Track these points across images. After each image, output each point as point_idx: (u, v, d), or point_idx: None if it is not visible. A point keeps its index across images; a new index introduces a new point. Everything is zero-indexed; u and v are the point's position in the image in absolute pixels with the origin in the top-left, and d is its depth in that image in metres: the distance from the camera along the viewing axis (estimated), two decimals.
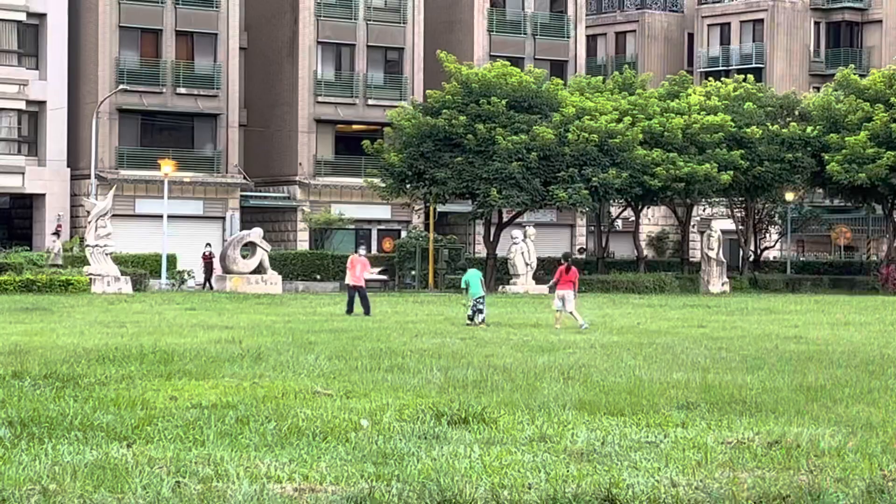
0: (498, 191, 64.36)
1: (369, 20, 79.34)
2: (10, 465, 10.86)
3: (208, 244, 65.54)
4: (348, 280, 41.57)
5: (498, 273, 66.88)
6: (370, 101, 78.99)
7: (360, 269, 41.05)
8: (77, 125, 72.89)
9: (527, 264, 64.41)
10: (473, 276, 35.93)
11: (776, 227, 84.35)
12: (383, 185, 68.79)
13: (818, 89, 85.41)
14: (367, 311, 39.69)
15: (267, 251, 59.88)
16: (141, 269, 60.36)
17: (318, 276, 69.97)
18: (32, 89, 71.65)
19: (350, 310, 40.23)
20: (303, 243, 76.92)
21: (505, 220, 70.18)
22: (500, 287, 63.91)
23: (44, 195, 72.32)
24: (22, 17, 71.44)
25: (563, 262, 35.23)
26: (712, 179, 67.68)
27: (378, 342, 26.21)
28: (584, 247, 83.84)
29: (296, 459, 11.38)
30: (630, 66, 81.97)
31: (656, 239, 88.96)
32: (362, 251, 44.21)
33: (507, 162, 64.55)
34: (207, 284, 63.79)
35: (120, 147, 72.89)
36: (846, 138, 70.13)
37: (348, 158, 77.96)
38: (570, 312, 33.51)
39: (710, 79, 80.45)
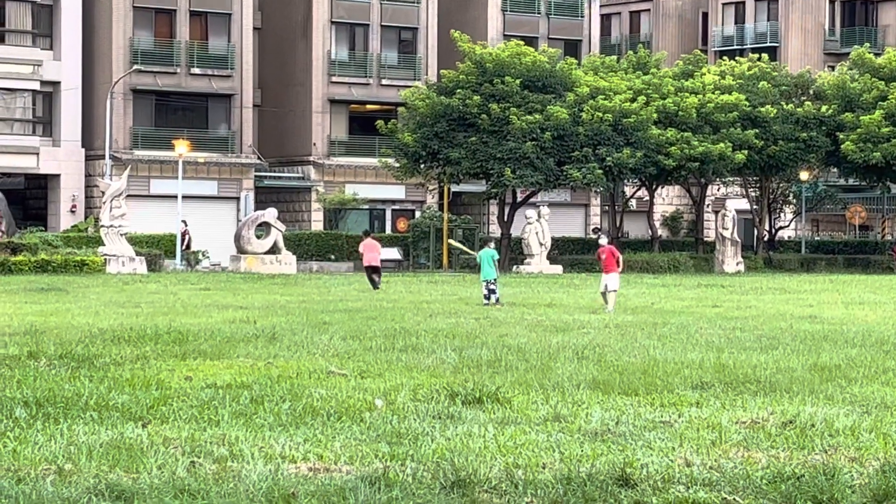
0: (512, 170, 64.31)
1: (383, 0, 79.25)
2: (25, 444, 10.89)
3: (184, 220, 64.49)
4: (364, 262, 43.93)
5: (512, 253, 66.86)
6: (384, 81, 78.91)
7: (370, 252, 43.40)
8: (91, 106, 72.93)
9: (541, 244, 64.39)
10: (486, 257, 35.86)
11: (791, 206, 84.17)
12: (397, 165, 68.79)
13: (833, 68, 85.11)
14: (374, 286, 42.14)
15: (281, 231, 59.89)
16: (155, 250, 60.44)
17: (333, 257, 70.01)
18: (47, 70, 71.71)
19: (374, 286, 42.26)
20: (317, 223, 76.93)
21: (519, 199, 70.14)
22: (515, 267, 63.91)
23: (58, 176, 72.42)
24: None
25: (607, 243, 34.58)
26: (727, 159, 67.57)
27: (392, 322, 26.23)
28: (599, 227, 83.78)
29: (310, 439, 11.39)
30: (644, 46, 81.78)
31: (671, 219, 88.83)
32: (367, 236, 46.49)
33: (521, 142, 64.49)
34: (188, 261, 62.63)
35: (134, 127, 72.95)
36: (861, 117, 69.93)
37: (362, 138, 77.93)
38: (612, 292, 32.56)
39: (725, 58, 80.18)
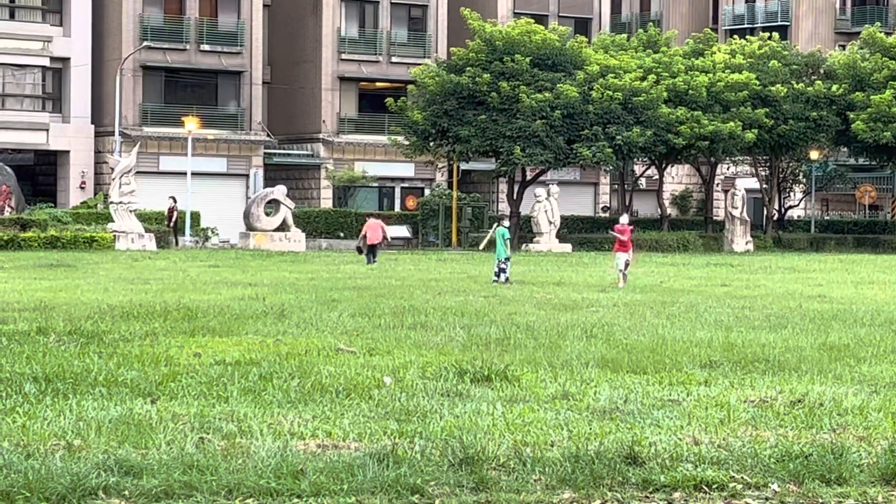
0: (521, 149, 64.24)
1: None
2: (35, 420, 10.92)
3: (172, 197, 64.23)
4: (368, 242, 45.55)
5: (521, 231, 66.85)
6: (394, 59, 78.81)
7: (373, 232, 45.22)
8: (101, 82, 72.91)
9: (550, 222, 64.37)
10: (498, 235, 36.02)
11: (800, 185, 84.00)
12: (407, 142, 68.75)
13: (844, 47, 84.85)
14: (368, 261, 43.93)
15: (290, 209, 59.91)
16: (165, 227, 60.45)
17: (342, 234, 70.01)
18: (56, 46, 71.69)
19: (369, 261, 43.94)
20: (326, 201, 76.93)
21: (528, 178, 70.08)
22: (524, 245, 63.88)
23: (68, 152, 72.45)
24: None
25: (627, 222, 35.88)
26: (737, 138, 67.48)
27: (401, 300, 26.23)
28: (608, 205, 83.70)
29: (319, 416, 11.41)
30: (655, 24, 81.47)
31: (680, 197, 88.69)
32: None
33: (531, 120, 64.41)
34: (174, 238, 61.97)
35: (144, 104, 72.93)
36: (871, 97, 69.75)
37: (372, 116, 77.87)
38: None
39: (735, 37, 79.91)
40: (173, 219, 62.27)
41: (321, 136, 77.49)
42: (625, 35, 75.63)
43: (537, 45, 67.05)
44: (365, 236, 45.53)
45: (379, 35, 78.79)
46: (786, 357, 16.43)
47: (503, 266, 35.11)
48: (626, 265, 33.79)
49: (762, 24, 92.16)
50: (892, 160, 75.21)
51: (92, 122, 72.98)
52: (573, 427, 11.00)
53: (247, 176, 74.97)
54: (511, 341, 18.03)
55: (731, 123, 67.11)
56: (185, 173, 65.23)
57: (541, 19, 77.43)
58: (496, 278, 34.79)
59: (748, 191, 74.47)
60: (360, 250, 46.32)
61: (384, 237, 46.44)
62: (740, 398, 12.89)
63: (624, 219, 36.55)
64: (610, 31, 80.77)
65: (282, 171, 76.98)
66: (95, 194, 69.72)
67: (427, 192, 77.25)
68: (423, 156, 70.40)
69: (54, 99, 72.97)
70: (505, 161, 65.75)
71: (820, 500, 9.16)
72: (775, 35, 76.50)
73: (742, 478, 9.49)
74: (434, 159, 71.07)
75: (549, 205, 64.20)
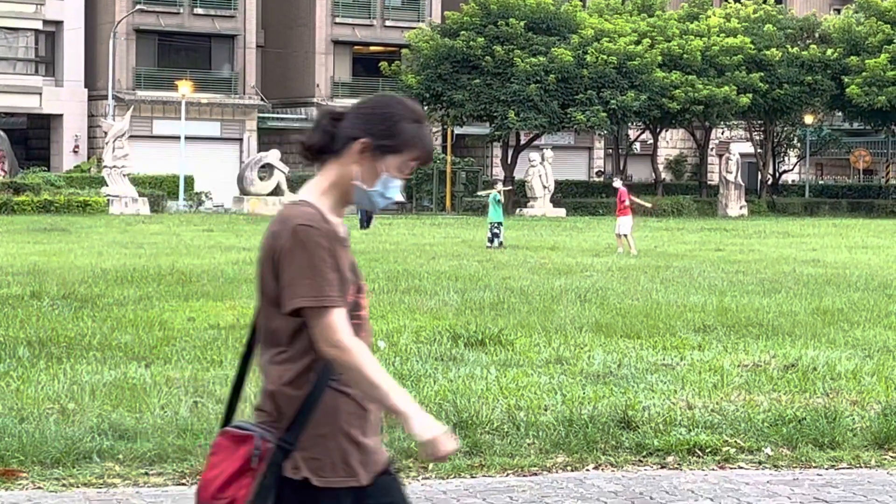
0: (516, 113, 64.16)
1: None
2: (29, 384, 10.92)
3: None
4: None
5: (515, 196, 66.83)
6: (388, 23, 78.59)
7: None
8: (94, 46, 72.69)
9: (544, 187, 64.33)
10: (492, 200, 36.12)
11: (795, 150, 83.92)
12: None
13: (839, 11, 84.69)
14: (361, 226, 44.02)
15: (284, 173, 59.83)
16: (158, 191, 60.39)
17: None
18: (49, 9, 71.41)
19: (363, 226, 44.18)
20: None
21: (523, 142, 70.00)
22: (518, 210, 63.88)
23: (61, 116, 72.27)
24: None
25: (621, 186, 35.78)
26: (731, 102, 67.41)
27: (395, 264, 26.24)
28: (602, 170, 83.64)
29: None
30: None
31: (674, 162, 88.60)
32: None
33: (525, 84, 64.30)
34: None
35: (137, 68, 72.73)
36: (866, 61, 69.69)
37: (366, 80, 77.67)
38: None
39: (730, 0, 79.75)
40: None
41: (315, 100, 77.30)
42: None
43: (532, 9, 66.89)
44: None
45: None
46: (779, 321, 16.45)
47: (496, 231, 35.13)
48: (630, 230, 33.68)
49: None
50: (887, 125, 75.21)
51: (85, 86, 72.78)
52: (567, 391, 11.01)
53: (240, 140, 74.84)
54: (505, 305, 18.04)
55: (726, 88, 67.04)
56: (178, 137, 65.11)
57: None
58: (490, 243, 34.82)
59: (742, 155, 74.46)
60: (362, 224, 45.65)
61: None
62: (734, 362, 12.91)
63: (618, 183, 36.45)
64: None
65: (275, 135, 76.83)
66: (89, 158, 69.60)
67: None
68: None
69: (47, 62, 72.76)
70: (499, 125, 65.67)
71: (813, 464, 9.19)
72: None
73: (735, 442, 9.51)
74: (428, 123, 70.89)
75: (543, 169, 64.15)
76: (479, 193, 54.71)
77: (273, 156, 59.86)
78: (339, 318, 4.11)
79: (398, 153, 4.28)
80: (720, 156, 75.84)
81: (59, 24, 72.03)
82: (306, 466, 4.14)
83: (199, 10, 73.89)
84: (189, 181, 65.57)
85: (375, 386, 4.13)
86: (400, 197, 4.37)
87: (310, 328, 4.13)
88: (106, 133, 57.23)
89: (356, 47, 79.17)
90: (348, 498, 4.16)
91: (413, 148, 4.32)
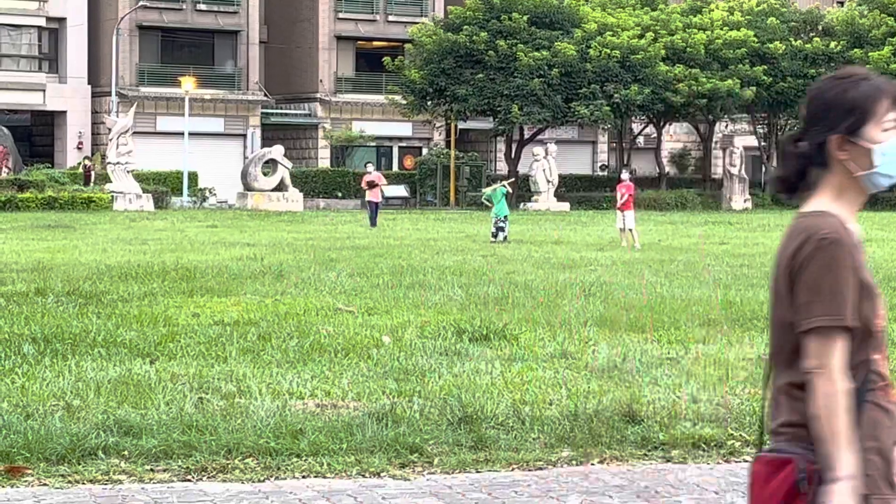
0: (519, 107, 64.15)
1: None
2: (34, 381, 10.92)
3: (87, 157, 62.94)
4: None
5: (519, 190, 66.80)
6: (391, 18, 78.55)
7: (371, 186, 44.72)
8: (97, 42, 72.69)
9: (548, 181, 64.32)
10: (499, 194, 36.13)
11: None
12: (404, 102, 68.61)
13: (842, 4, 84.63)
14: (371, 224, 42.86)
15: (288, 168, 59.83)
16: (162, 187, 60.42)
17: (340, 194, 69.97)
18: (52, 6, 71.42)
19: (373, 223, 42.85)
20: (324, 160, 76.82)
21: (526, 137, 69.99)
22: (522, 204, 63.87)
23: (64, 112, 72.29)
24: None
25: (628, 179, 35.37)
26: (735, 95, 67.38)
27: (399, 259, 26.24)
28: (606, 164, 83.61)
29: (318, 376, 11.42)
30: None
31: (678, 156, 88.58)
32: (370, 167, 48.19)
33: (529, 78, 64.28)
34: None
35: (140, 64, 72.73)
36: (870, 53, 69.64)
37: (369, 75, 77.68)
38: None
39: None
40: (90, 179, 61.79)
41: (318, 95, 77.30)
42: None
43: (535, 3, 66.87)
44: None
45: None
46: None
47: (501, 225, 35.14)
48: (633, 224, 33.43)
49: None
50: None
51: (88, 83, 72.79)
52: (572, 386, 11.01)
53: (244, 136, 74.84)
54: (509, 300, 18.03)
55: (729, 81, 67.00)
56: (182, 133, 65.12)
57: None
58: (494, 238, 34.83)
59: (746, 148, 74.43)
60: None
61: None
62: (739, 356, 12.90)
63: (625, 175, 36.11)
64: None
65: (279, 131, 76.81)
66: (92, 154, 69.60)
67: (425, 151, 77.14)
68: (421, 115, 70.29)
69: (50, 59, 72.77)
70: (503, 120, 65.66)
71: None
72: None
73: (741, 435, 9.50)
74: (432, 118, 70.95)
75: (546, 163, 64.14)
76: (483, 191, 54.52)
77: (277, 151, 59.86)
78: (842, 344, 3.89)
79: (865, 120, 4.03)
80: (724, 149, 75.75)
81: (62, 20, 72.03)
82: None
83: (202, 6, 73.87)
84: (193, 177, 65.59)
85: (835, 433, 3.85)
86: None
87: (805, 340, 3.91)
88: (110, 129, 57.24)
89: (359, 42, 79.13)
90: None
91: (873, 101, 4.03)
